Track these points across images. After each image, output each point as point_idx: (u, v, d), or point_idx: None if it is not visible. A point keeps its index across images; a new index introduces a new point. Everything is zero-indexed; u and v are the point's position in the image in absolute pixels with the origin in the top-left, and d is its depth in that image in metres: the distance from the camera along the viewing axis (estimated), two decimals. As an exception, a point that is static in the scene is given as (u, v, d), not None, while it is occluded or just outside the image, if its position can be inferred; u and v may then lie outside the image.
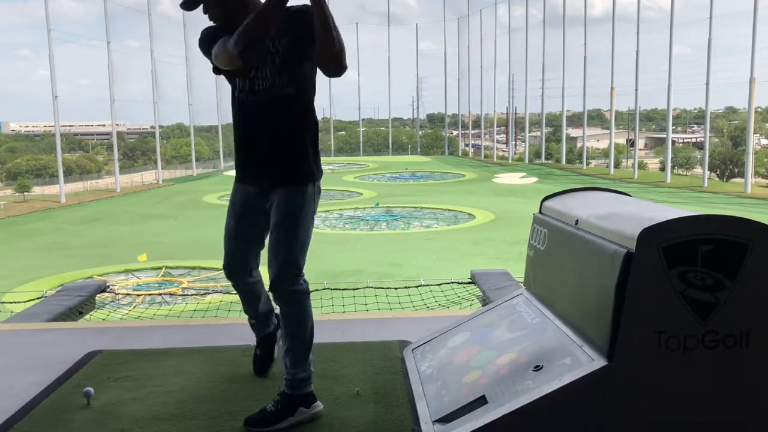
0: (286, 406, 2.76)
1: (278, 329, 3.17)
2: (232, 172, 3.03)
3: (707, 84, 35.02)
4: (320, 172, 2.83)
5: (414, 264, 18.01)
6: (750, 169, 36.00)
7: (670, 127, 41.08)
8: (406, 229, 26.61)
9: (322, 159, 2.94)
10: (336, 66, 2.54)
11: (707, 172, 38.26)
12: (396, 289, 7.17)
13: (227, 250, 2.97)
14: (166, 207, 33.47)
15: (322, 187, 2.86)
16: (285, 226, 2.74)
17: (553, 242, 3.04)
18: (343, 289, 7.02)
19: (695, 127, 76.07)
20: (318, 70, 2.70)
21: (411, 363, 3.29)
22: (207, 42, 2.72)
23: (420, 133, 77.60)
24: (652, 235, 2.23)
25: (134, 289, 15.41)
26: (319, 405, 2.83)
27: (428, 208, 30.69)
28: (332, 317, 4.84)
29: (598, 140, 66.68)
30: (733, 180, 43.07)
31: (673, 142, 49.26)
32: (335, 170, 49.73)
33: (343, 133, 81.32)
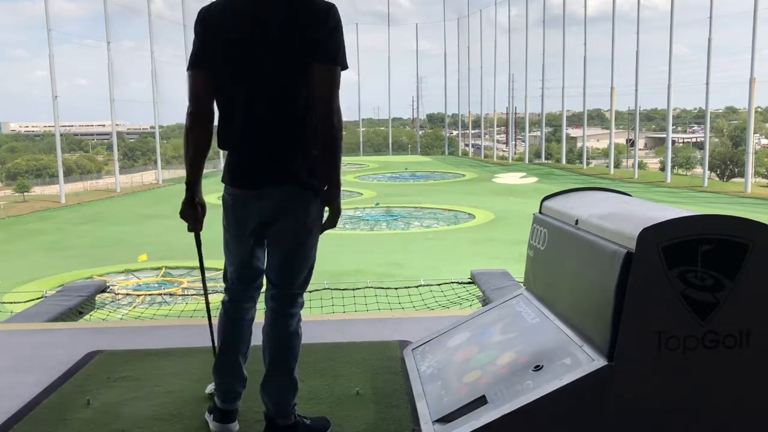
0: None
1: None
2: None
3: (707, 84, 35.00)
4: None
5: (414, 264, 17.97)
6: (750, 168, 35.96)
7: (670, 127, 41.05)
8: (406, 229, 26.57)
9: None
10: None
11: (707, 172, 38.22)
12: (396, 289, 7.17)
13: None
14: (166, 207, 33.33)
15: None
16: None
17: (553, 242, 3.04)
18: (343, 289, 7.01)
19: (695, 127, 76.04)
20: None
21: (411, 363, 3.29)
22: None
23: (420, 133, 77.56)
24: (652, 235, 2.23)
25: (134, 289, 15.41)
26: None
27: (428, 208, 30.65)
28: (332, 317, 4.85)
29: (598, 140, 66.62)
30: (733, 180, 43.03)
31: (673, 142, 49.22)
32: (335, 170, 49.43)
33: (343, 132, 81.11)
